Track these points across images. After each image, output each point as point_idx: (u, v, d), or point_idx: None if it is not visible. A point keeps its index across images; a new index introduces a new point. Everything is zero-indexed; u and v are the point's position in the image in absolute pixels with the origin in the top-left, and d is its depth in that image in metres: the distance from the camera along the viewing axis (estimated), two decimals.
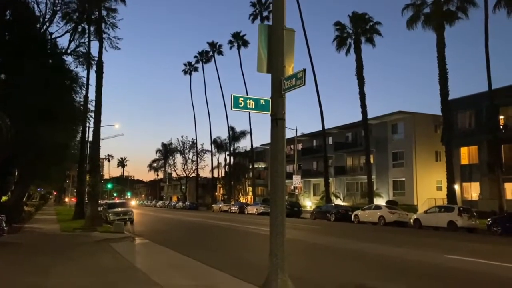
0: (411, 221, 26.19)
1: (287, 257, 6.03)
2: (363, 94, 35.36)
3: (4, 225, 15.01)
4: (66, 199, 76.27)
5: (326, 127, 43.98)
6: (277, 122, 6.20)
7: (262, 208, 44.73)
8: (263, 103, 6.34)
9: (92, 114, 23.44)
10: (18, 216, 21.84)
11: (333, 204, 36.73)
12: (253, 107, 6.30)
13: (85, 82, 21.17)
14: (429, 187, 39.18)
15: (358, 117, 44.69)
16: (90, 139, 30.20)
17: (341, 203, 42.14)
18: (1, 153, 18.19)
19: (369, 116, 37.28)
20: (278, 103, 6.27)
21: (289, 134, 63.24)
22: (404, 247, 15.80)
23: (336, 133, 49.34)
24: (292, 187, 44.05)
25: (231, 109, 6.29)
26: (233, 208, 51.69)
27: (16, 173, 33.03)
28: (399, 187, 41.88)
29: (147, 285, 8.46)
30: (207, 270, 10.23)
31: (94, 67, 23.17)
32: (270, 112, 6.29)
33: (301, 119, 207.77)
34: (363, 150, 45.47)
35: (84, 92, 22.11)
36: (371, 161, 44.45)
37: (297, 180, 43.03)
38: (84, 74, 26.65)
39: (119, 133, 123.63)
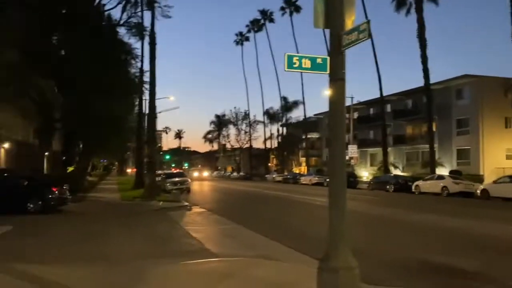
0: (478, 191, 24.46)
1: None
2: (425, 58, 32.85)
3: (68, 194, 15.71)
4: (128, 170, 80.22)
5: (384, 94, 41.92)
6: (336, 83, 5.59)
7: (316, 178, 44.20)
8: (320, 62, 5.73)
9: (147, 86, 23.75)
10: (81, 185, 22.97)
11: (392, 175, 35.32)
12: (309, 66, 5.71)
13: (139, 54, 21.28)
14: (497, 156, 36.41)
15: (419, 83, 42.11)
16: (147, 111, 31.01)
17: (400, 174, 40.47)
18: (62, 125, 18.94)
19: (431, 81, 34.90)
20: (337, 61, 5.61)
21: (347, 101, 61.47)
22: (471, 219, 14.64)
23: (395, 100, 46.89)
24: (347, 157, 42.91)
25: (285, 70, 5.73)
26: (287, 178, 51.56)
27: (81, 145, 34.87)
28: (463, 156, 39.31)
29: (203, 254, 8.37)
30: (263, 240, 10.00)
31: (147, 39, 23.32)
32: (328, 72, 5.67)
33: (356, 87, 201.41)
34: (425, 118, 42.93)
35: (138, 64, 22.32)
36: (433, 129, 42.05)
37: (352, 150, 41.75)
38: (137, 46, 26.87)
39: (174, 106, 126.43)
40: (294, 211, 17.54)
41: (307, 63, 5.70)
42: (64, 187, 15.63)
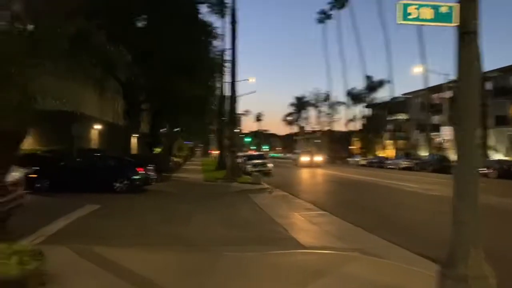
0: None
1: None
2: None
3: (153, 174, 15.87)
4: (211, 152, 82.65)
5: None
6: (467, 36, 4.27)
7: (405, 162, 41.35)
8: (445, 12, 4.43)
9: (228, 65, 23.30)
10: (166, 166, 23.47)
11: (496, 159, 31.55)
12: (429, 17, 4.46)
13: (220, 32, 20.84)
14: None
15: None
16: (227, 93, 30.93)
17: (496, 158, 36.13)
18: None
19: None
20: (468, 9, 4.29)
21: (438, 80, 56.32)
22: None
23: (496, 77, 41.81)
24: (440, 140, 39.46)
25: (397, 23, 4.55)
26: (372, 162, 49.05)
27: (167, 127, 36.08)
28: None
29: (288, 243, 7.56)
30: (355, 231, 8.91)
31: (229, 18, 22.80)
32: (454, 24, 4.36)
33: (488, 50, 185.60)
34: None
35: (220, 42, 21.86)
36: None
37: (447, 132, 38.20)
38: (218, 25, 26.39)
39: (252, 90, 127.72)
40: (386, 198, 16.04)
41: (427, 13, 4.44)
42: (149, 168, 15.80)
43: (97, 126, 24.23)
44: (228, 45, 23.51)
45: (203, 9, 21.54)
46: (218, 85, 34.52)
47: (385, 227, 9.14)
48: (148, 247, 6.79)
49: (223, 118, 35.19)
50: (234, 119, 25.50)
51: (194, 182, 21.05)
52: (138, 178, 15.08)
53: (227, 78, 28.69)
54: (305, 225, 9.69)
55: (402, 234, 8.37)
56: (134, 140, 36.90)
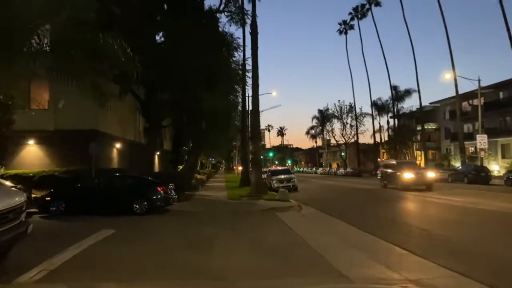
0: None
1: None
2: None
3: (174, 193, 14.92)
4: (234, 168, 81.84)
5: None
6: None
7: (438, 173, 39.22)
8: None
9: (249, 75, 22.40)
10: (189, 184, 22.56)
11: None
12: None
13: (240, 43, 20.00)
14: None
15: None
16: (249, 108, 30.06)
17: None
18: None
19: None
20: None
21: (466, 87, 54.10)
22: None
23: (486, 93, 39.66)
24: (476, 149, 37.37)
25: None
26: None
27: (191, 144, 35.42)
28: None
29: (328, 273, 6.38)
30: (403, 256, 7.63)
31: (248, 28, 22.01)
32: None
33: (478, 69, 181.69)
34: None
35: (239, 53, 21.02)
36: None
37: (482, 140, 36.09)
38: (238, 35, 25.51)
39: (276, 104, 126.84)
40: (428, 214, 14.58)
41: None
42: (170, 186, 14.88)
43: (118, 145, 23.62)
44: (248, 56, 22.66)
45: (223, 19, 20.92)
46: (239, 99, 33.80)
47: (437, 250, 7.83)
48: (162, 282, 5.74)
49: (247, 133, 34.31)
50: (258, 132, 24.50)
51: (217, 200, 19.99)
52: (158, 198, 14.15)
53: (249, 91, 27.81)
54: (344, 248, 8.46)
55: (459, 258, 7.05)
56: (156, 158, 36.48)
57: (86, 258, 7.66)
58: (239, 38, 20.19)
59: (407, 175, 24.69)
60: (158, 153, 35.75)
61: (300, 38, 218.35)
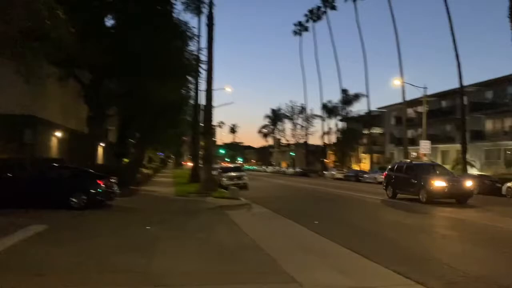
0: None
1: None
2: None
3: (116, 188, 13.92)
4: (184, 163, 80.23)
5: (456, 86, 37.17)
6: None
7: (382, 176, 40.45)
8: None
9: (204, 67, 21.61)
10: (133, 178, 21.43)
11: (476, 174, 30.97)
12: None
13: (195, 32, 19.12)
14: None
15: (497, 73, 36.71)
16: (202, 102, 29.23)
17: (476, 173, 35.80)
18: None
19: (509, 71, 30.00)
20: None
21: (412, 94, 56.54)
22: None
23: (472, 92, 41.83)
24: (419, 154, 38.88)
25: None
26: (348, 175, 48.10)
27: (136, 136, 33.94)
28: None
29: (279, 278, 5.96)
30: (355, 259, 7.40)
31: (205, 19, 21.22)
32: None
33: (424, 77, 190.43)
34: (509, 111, 38.01)
35: (195, 44, 20.13)
36: None
37: (425, 146, 37.55)
38: (194, 24, 24.52)
39: (229, 102, 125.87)
40: (374, 216, 14.66)
41: None
42: (112, 180, 13.86)
43: (58, 134, 21.94)
44: (204, 49, 21.87)
45: (179, 6, 19.98)
46: (192, 93, 32.82)
47: (387, 253, 7.67)
48: None
49: (198, 127, 33.43)
50: (210, 127, 23.78)
51: (164, 196, 19.08)
52: (99, 192, 13.12)
53: (202, 85, 26.97)
54: (295, 251, 8.08)
55: (411, 263, 6.88)
56: (101, 150, 34.64)
57: (10, 258, 6.73)
58: (194, 27, 19.32)
59: (439, 183, 18.06)
60: (103, 144, 33.98)
61: (256, 37, 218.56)
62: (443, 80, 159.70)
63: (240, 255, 7.59)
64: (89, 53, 15.26)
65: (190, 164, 46.78)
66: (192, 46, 19.60)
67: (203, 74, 22.20)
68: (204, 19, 22.10)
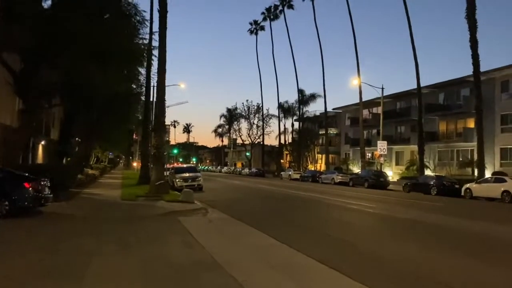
0: None
1: None
2: (475, 41, 28.28)
3: (48, 191, 11.79)
4: (134, 163, 76.52)
5: (410, 88, 37.37)
6: None
7: (340, 177, 40.06)
8: None
9: (155, 57, 19.69)
10: (74, 180, 19.09)
11: (434, 175, 31.01)
12: None
13: (146, 17, 17.12)
14: None
15: (449, 76, 37.17)
16: (154, 98, 27.14)
17: (431, 174, 36.20)
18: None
19: (466, 73, 30.37)
20: None
21: (368, 96, 56.95)
22: None
23: (426, 94, 42.39)
24: (373, 154, 38.84)
25: None
26: (305, 176, 47.43)
27: (81, 134, 31.16)
28: (508, 156, 34.97)
29: None
30: (326, 273, 6.11)
31: (157, 5, 19.26)
32: None
33: (379, 80, 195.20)
34: (461, 113, 38.79)
35: (145, 31, 18.15)
36: (471, 125, 37.81)
37: (382, 146, 37.55)
38: (144, 8, 22.36)
39: (183, 101, 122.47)
40: (338, 220, 13.49)
41: None
42: (43, 183, 11.72)
43: None
44: (155, 33, 19.87)
45: None
46: (143, 88, 30.60)
47: (354, 263, 6.38)
48: None
49: (149, 125, 31.25)
50: (163, 123, 21.81)
51: (108, 200, 16.94)
52: (25, 198, 10.99)
53: (155, 81, 24.89)
54: (262, 269, 6.61)
55: (379, 273, 5.64)
56: (41, 149, 31.53)
57: None
58: (145, 11, 17.38)
59: None
60: (42, 142, 30.96)
61: (211, 33, 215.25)
62: (396, 83, 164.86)
63: (196, 277, 6.02)
64: (17, 34, 13.07)
65: (139, 164, 44.13)
66: (142, 33, 17.65)
67: (155, 66, 20.32)
68: (156, 4, 20.11)
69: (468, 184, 24.63)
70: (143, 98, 32.22)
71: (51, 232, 9.63)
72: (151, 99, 31.66)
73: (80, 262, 6.60)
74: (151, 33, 19.68)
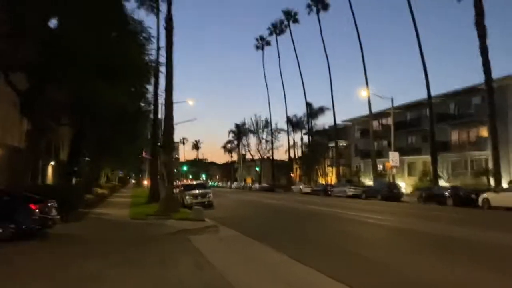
0: None
1: None
2: (485, 49, 27.89)
3: (55, 213, 11.50)
4: (144, 181, 76.49)
5: (420, 98, 36.90)
6: None
7: (352, 189, 39.37)
8: None
9: (162, 71, 19.59)
10: (81, 200, 18.83)
11: (449, 185, 30.30)
12: None
13: (153, 34, 17.05)
14: None
15: (457, 84, 36.69)
16: (162, 116, 27.03)
17: (445, 184, 35.41)
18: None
19: (478, 81, 29.72)
20: None
21: (377, 107, 56.43)
22: None
23: (437, 103, 41.81)
24: (384, 166, 38.21)
25: None
26: (317, 190, 46.82)
27: (90, 153, 31.09)
28: None
29: None
30: None
31: (163, 22, 19.24)
32: None
33: (388, 91, 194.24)
34: (473, 122, 38.17)
35: (152, 47, 18.09)
36: (484, 134, 37.10)
37: (394, 158, 36.97)
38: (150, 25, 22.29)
39: (192, 118, 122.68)
40: (355, 235, 12.98)
41: None
42: (50, 204, 11.45)
43: None
44: (162, 48, 19.82)
45: (132, 4, 17.99)
46: (151, 106, 30.64)
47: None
48: None
49: (158, 143, 31.09)
50: (171, 140, 21.58)
51: (117, 220, 16.63)
52: (31, 220, 10.70)
53: (162, 99, 24.81)
54: None
55: None
56: (50, 169, 31.49)
57: None
58: (151, 28, 17.34)
59: None
60: (52, 163, 30.94)
61: (218, 50, 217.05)
62: (404, 93, 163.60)
63: None
64: (23, 53, 13.00)
65: (148, 182, 43.98)
66: (150, 50, 17.57)
67: (162, 84, 20.21)
68: (162, 22, 20.09)
69: (486, 194, 23.88)
70: (151, 116, 32.22)
71: (56, 254, 9.29)
72: (160, 116, 31.63)
73: (87, 286, 6.23)
74: (158, 49, 19.65)
